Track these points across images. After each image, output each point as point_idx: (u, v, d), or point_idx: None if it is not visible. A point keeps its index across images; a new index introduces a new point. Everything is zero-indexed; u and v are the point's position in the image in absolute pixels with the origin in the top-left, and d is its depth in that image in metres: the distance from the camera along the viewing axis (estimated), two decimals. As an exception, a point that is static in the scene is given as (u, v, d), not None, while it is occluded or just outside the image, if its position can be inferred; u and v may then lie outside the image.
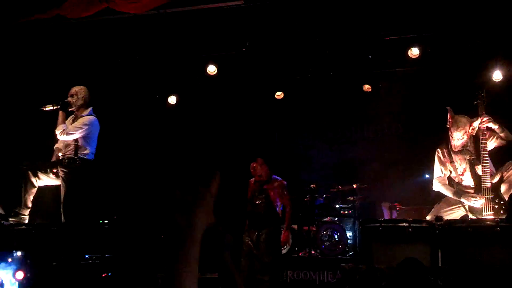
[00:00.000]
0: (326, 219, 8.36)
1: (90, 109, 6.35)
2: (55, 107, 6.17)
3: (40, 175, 6.27)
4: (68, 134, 6.10)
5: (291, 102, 9.26)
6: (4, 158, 7.54)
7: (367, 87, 8.74)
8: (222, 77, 8.52)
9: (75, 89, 6.32)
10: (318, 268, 7.35)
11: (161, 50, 8.00)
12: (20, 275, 5.49)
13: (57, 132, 6.17)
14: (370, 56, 8.10)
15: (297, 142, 9.34)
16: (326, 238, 8.09)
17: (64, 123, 6.20)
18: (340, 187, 8.52)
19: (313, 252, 8.11)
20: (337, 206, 8.61)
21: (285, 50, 8.11)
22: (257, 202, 6.57)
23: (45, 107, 6.16)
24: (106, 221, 7.07)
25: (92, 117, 6.30)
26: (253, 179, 6.75)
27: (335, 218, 8.43)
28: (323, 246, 8.07)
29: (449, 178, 6.23)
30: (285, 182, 6.72)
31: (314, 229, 8.30)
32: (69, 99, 6.29)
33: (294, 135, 9.43)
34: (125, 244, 7.38)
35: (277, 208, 6.67)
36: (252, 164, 6.69)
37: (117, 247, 6.87)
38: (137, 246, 7.68)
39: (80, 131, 6.09)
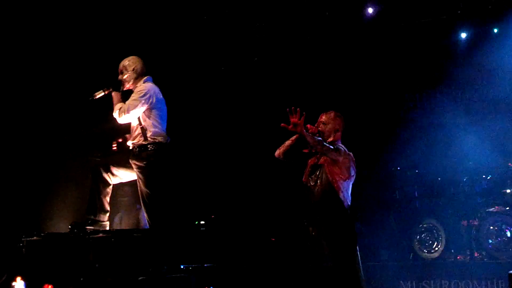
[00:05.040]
0: (492, 209, 7.55)
1: (146, 77, 5.94)
2: (106, 91, 5.85)
3: (114, 169, 5.87)
4: (128, 112, 5.70)
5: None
6: (75, 149, 7.36)
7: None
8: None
9: (123, 63, 5.97)
10: (485, 276, 6.87)
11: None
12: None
13: (115, 114, 5.80)
14: None
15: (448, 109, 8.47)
16: (494, 235, 7.38)
17: (121, 102, 5.82)
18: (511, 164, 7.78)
19: (476, 255, 7.47)
20: (509, 190, 7.64)
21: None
22: (311, 183, 5.30)
23: (96, 95, 5.84)
24: (202, 222, 7.09)
25: (149, 84, 5.85)
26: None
27: (505, 207, 7.53)
28: (490, 246, 7.36)
29: None
30: (350, 154, 5.28)
31: (476, 223, 7.56)
32: (120, 76, 5.95)
33: (441, 102, 8.61)
34: (228, 249, 7.30)
35: (342, 193, 5.23)
36: (321, 115, 5.38)
37: (218, 253, 6.82)
38: (243, 251, 7.59)
39: (140, 103, 5.69)
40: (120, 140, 6.03)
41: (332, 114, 5.42)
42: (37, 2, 7.10)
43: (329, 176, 5.26)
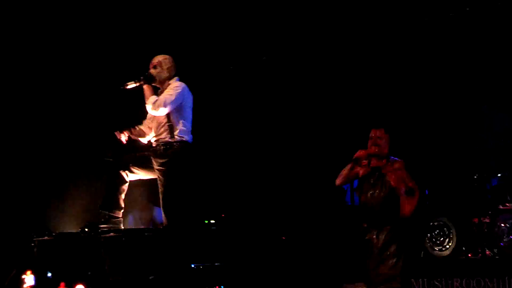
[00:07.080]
0: (505, 207, 7.44)
1: (176, 78, 6.06)
2: (138, 83, 5.94)
3: (132, 167, 5.96)
4: (165, 105, 5.78)
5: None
6: (85, 150, 7.43)
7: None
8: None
9: (159, 58, 6.07)
10: (496, 274, 6.73)
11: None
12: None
13: (149, 105, 5.88)
14: None
15: (463, 100, 8.33)
16: (506, 233, 7.29)
17: (154, 95, 5.89)
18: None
19: (488, 253, 7.39)
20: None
21: None
22: (372, 192, 5.71)
23: (128, 85, 5.94)
24: (212, 221, 6.97)
25: (181, 83, 5.99)
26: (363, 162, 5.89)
27: (517, 204, 7.45)
28: (501, 244, 7.29)
29: None
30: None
31: (487, 220, 7.44)
32: (152, 70, 6.06)
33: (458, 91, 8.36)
34: (239, 249, 7.10)
35: None
36: (374, 131, 5.76)
37: (229, 252, 6.61)
38: (253, 251, 7.39)
39: (175, 98, 5.82)
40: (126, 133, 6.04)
41: (383, 129, 5.82)
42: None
43: (393, 183, 5.63)
